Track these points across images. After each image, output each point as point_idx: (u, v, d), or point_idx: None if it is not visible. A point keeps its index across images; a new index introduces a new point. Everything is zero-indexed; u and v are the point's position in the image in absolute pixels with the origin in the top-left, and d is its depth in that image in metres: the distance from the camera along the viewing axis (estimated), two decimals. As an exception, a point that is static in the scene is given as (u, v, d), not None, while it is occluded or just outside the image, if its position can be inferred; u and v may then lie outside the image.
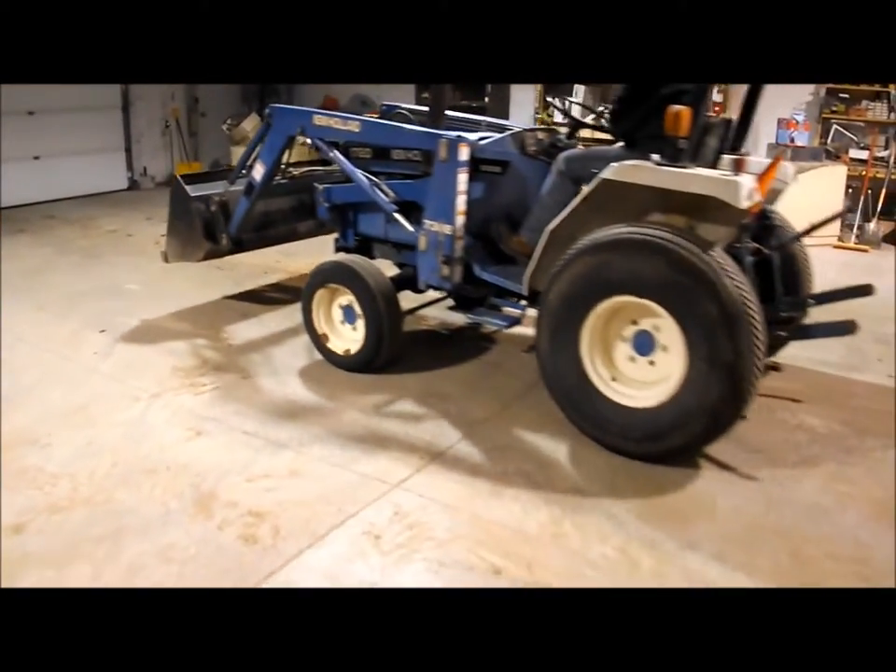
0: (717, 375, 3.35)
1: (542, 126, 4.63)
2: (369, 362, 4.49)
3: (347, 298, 4.53)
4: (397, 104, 5.32)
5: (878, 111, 8.16)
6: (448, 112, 4.80)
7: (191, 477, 3.46)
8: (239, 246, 5.44)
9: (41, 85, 8.68)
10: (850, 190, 8.07)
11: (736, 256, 3.76)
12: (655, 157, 3.57)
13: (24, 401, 4.18)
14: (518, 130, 4.58)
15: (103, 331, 5.22)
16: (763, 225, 4.18)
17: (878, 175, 7.95)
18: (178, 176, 5.36)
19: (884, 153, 8.08)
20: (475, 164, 4.31)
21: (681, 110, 3.44)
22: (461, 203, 4.22)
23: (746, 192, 3.31)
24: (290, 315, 5.39)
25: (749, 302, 3.32)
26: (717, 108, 8.67)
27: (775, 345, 4.25)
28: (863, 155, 8.09)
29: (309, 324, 4.71)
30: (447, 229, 4.25)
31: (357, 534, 3.08)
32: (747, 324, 3.30)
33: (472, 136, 4.36)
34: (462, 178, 4.21)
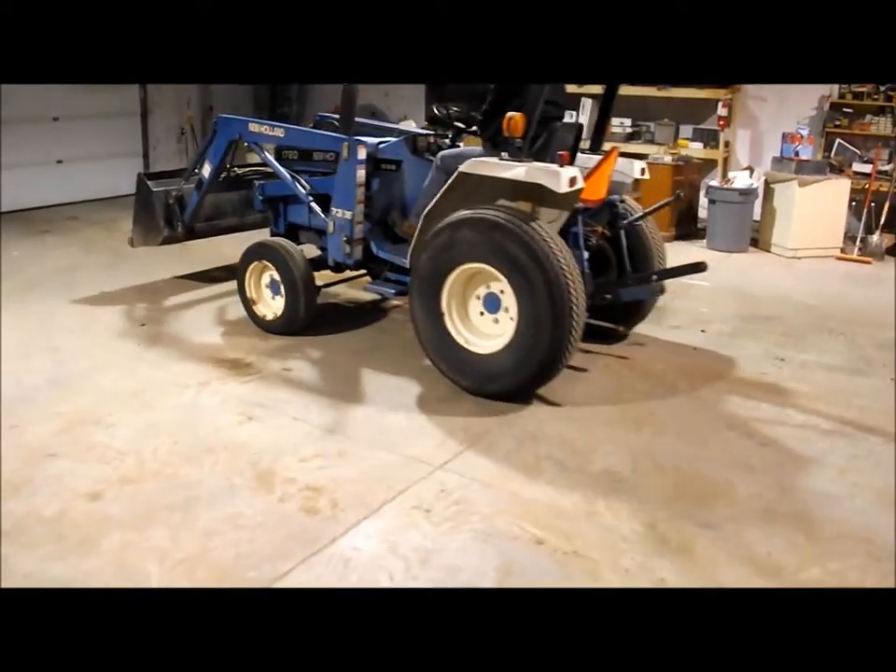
0: (541, 329, 4.02)
1: (432, 131, 5.44)
2: (288, 327, 5.25)
3: (273, 273, 5.23)
4: (328, 114, 6.30)
5: (881, 126, 8.24)
6: (367, 121, 6.16)
7: (249, 456, 3.69)
8: (192, 234, 6.18)
9: (66, 93, 9.00)
10: (854, 203, 8.14)
11: (575, 235, 4.55)
12: (504, 154, 4.25)
13: (81, 386, 4.41)
14: (412, 134, 5.34)
15: (143, 325, 5.45)
16: (612, 212, 4.90)
17: (881, 189, 8.02)
18: (141, 174, 6.17)
19: (887, 167, 8.15)
20: (376, 163, 5.16)
21: (515, 115, 4.13)
22: (359, 193, 5.03)
23: (565, 180, 4.00)
24: (321, 312, 5.63)
25: (566, 268, 3.98)
26: (721, 122, 8.88)
27: (616, 311, 4.93)
28: (867, 169, 8.15)
29: (242, 293, 5.41)
30: (348, 215, 5.04)
31: (408, 507, 3.32)
32: (564, 285, 3.96)
33: (373, 140, 5.19)
34: (360, 173, 5.02)
